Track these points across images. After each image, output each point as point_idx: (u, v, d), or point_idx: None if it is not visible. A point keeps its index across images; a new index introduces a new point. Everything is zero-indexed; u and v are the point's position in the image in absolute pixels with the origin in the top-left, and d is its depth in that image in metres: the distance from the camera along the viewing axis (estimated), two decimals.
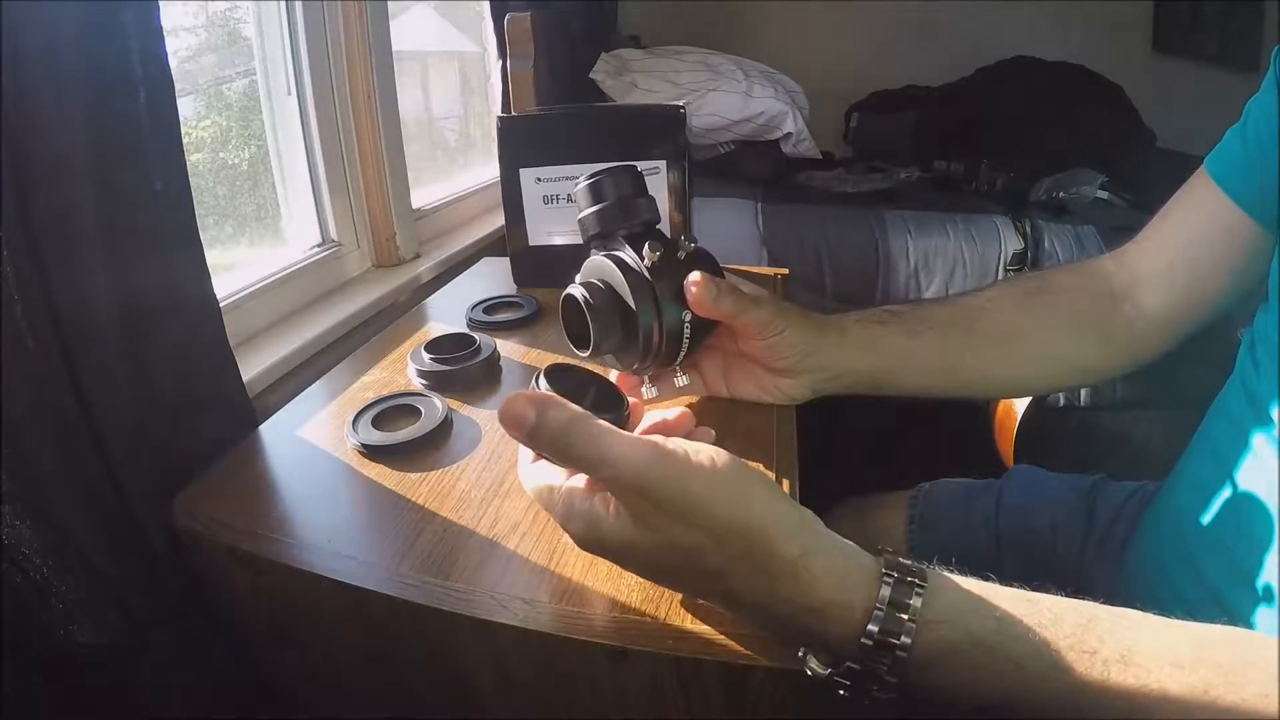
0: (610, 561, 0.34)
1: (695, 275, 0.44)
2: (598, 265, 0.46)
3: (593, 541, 0.32)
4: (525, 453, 0.37)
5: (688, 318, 0.45)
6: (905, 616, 0.29)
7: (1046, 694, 0.28)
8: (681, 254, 0.45)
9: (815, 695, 0.33)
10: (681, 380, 0.50)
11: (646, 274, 0.44)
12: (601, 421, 0.31)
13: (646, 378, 0.49)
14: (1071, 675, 0.28)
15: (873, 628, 0.29)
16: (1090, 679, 0.28)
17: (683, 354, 0.47)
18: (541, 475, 0.34)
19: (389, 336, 0.67)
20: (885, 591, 0.29)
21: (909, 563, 0.30)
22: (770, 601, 0.30)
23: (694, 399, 0.53)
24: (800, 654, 0.31)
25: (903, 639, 0.28)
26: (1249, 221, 0.48)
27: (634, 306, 0.44)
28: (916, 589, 0.29)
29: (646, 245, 0.44)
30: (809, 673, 0.31)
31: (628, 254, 0.45)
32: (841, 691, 0.30)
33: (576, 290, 0.45)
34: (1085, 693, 0.28)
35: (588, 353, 0.45)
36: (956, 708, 0.30)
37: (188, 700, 0.44)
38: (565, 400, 0.32)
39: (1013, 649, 0.29)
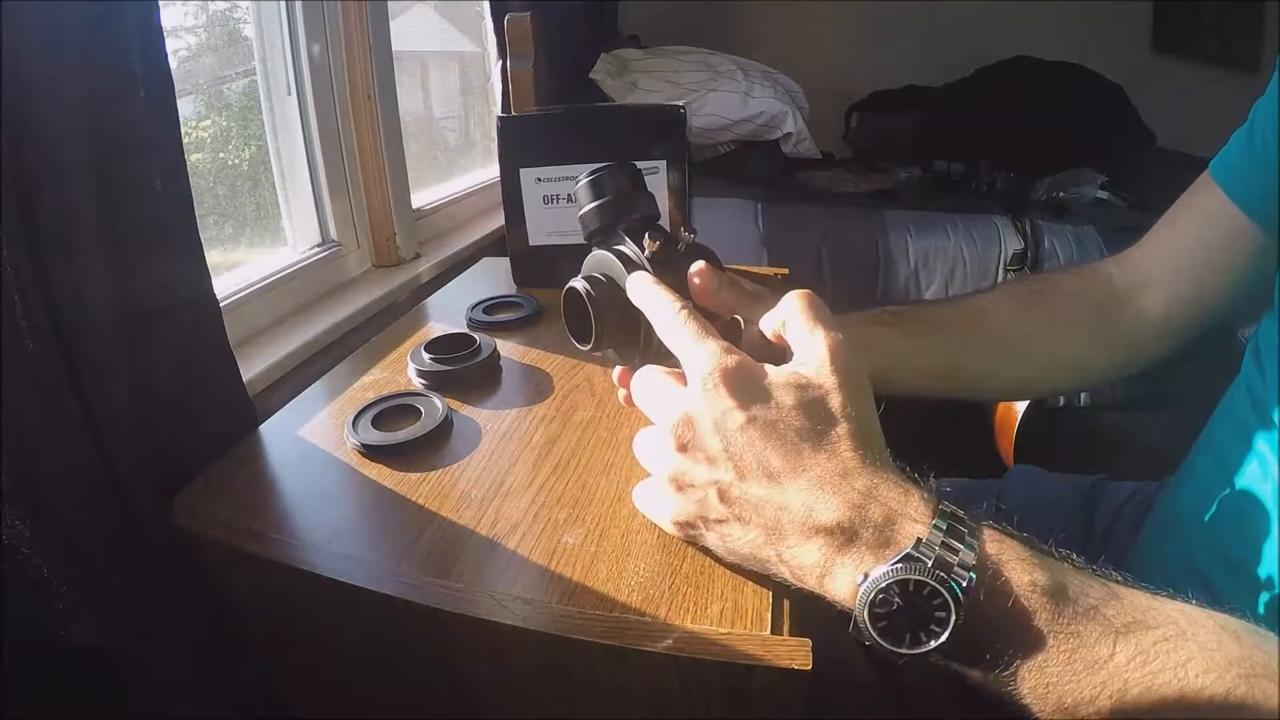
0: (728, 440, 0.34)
1: (698, 265, 0.44)
2: (599, 259, 0.46)
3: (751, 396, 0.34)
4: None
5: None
6: (965, 530, 0.31)
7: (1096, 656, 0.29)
8: (681, 246, 0.45)
9: (816, 695, 0.33)
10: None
11: (647, 266, 0.44)
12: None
13: None
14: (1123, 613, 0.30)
15: (940, 521, 0.31)
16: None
17: None
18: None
19: (389, 336, 0.67)
20: (944, 509, 0.31)
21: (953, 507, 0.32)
22: (849, 489, 0.32)
23: None
24: (861, 578, 0.31)
25: (968, 535, 0.30)
26: (1253, 226, 0.48)
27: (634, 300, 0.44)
28: (968, 523, 0.31)
29: (646, 236, 0.44)
30: (875, 592, 0.30)
31: (628, 247, 0.45)
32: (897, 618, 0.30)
33: (578, 283, 0.45)
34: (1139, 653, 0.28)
35: (589, 347, 0.45)
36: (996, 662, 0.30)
37: (188, 700, 0.44)
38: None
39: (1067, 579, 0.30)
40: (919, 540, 0.30)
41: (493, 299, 0.72)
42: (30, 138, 0.36)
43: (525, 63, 1.10)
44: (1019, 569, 0.30)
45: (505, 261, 0.81)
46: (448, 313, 0.72)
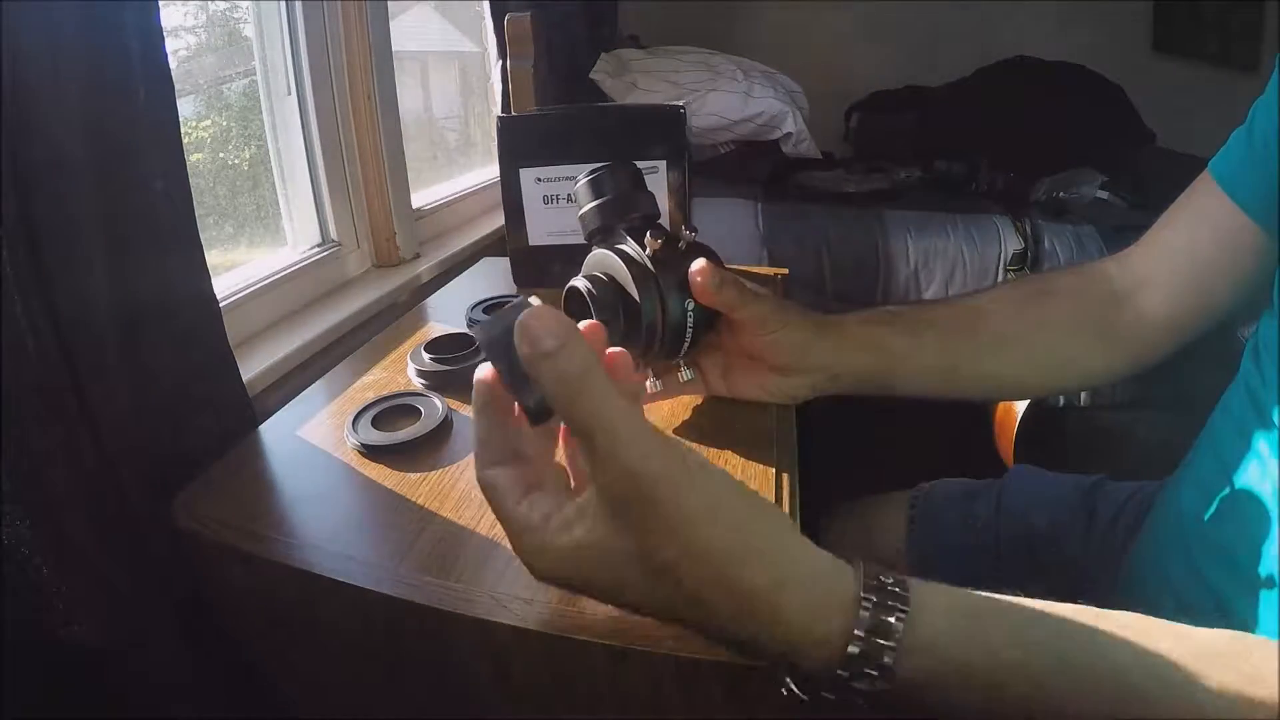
0: (561, 582, 0.30)
1: (699, 263, 0.44)
2: (600, 258, 0.46)
3: (555, 547, 0.28)
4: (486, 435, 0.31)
5: (691, 306, 0.45)
6: (886, 643, 0.27)
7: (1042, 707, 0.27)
8: (682, 244, 0.45)
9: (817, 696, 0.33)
10: (685, 375, 0.50)
11: (649, 264, 0.44)
12: (624, 385, 0.28)
13: (650, 372, 0.49)
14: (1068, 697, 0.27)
15: (852, 651, 0.27)
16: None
17: (686, 347, 0.47)
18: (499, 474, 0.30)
19: (389, 336, 0.67)
20: (864, 616, 0.27)
21: (890, 581, 0.28)
22: (740, 630, 0.28)
23: (698, 398, 0.53)
24: (778, 675, 0.30)
25: (882, 665, 0.27)
26: (1253, 226, 0.48)
27: (637, 297, 0.43)
28: (898, 611, 0.27)
29: (648, 234, 0.44)
30: (785, 694, 0.29)
31: (630, 245, 0.45)
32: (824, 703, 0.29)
33: (580, 282, 0.44)
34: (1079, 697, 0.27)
35: None
36: None
37: (188, 700, 0.44)
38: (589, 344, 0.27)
39: (1001, 676, 0.27)
40: (828, 662, 0.27)
41: (493, 299, 0.72)
42: (30, 138, 0.36)
43: (525, 63, 1.10)
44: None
45: (505, 261, 0.81)
46: (448, 313, 0.72)
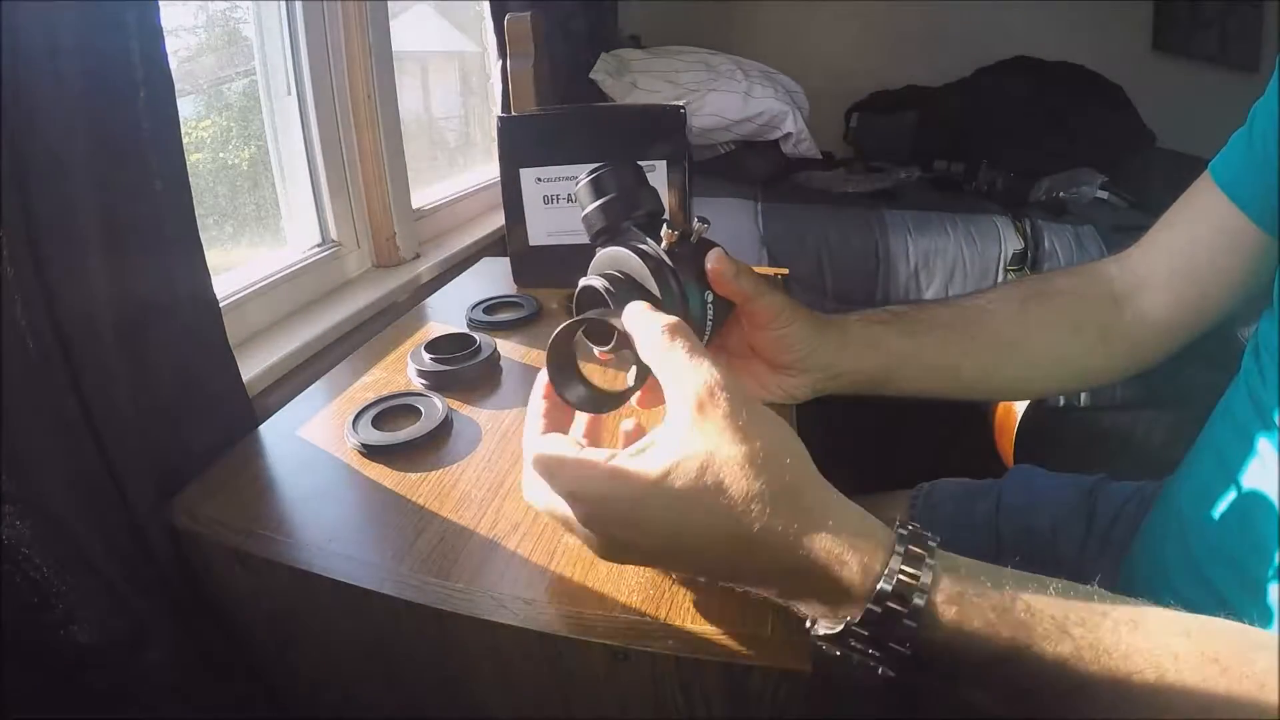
0: (615, 539, 0.32)
1: (716, 252, 0.44)
2: (612, 256, 0.45)
3: (611, 508, 0.31)
4: (534, 422, 0.37)
5: (710, 298, 0.45)
6: (917, 579, 0.29)
7: (1054, 655, 0.28)
8: (694, 238, 0.45)
9: (815, 696, 0.33)
10: None
11: (666, 259, 0.43)
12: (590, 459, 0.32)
13: None
14: (1083, 631, 0.28)
15: (885, 586, 0.29)
16: (1101, 638, 0.28)
17: (707, 340, 0.46)
18: (552, 445, 0.34)
19: (389, 336, 0.67)
20: (896, 562, 0.29)
21: (920, 529, 0.31)
22: (778, 565, 0.30)
23: None
24: (809, 623, 0.31)
25: (915, 598, 0.28)
26: (1253, 227, 0.48)
27: (657, 293, 0.42)
28: (926, 562, 0.29)
29: (664, 228, 0.43)
30: (819, 641, 0.30)
31: (642, 241, 0.44)
32: (854, 655, 0.30)
33: (596, 281, 0.43)
34: (1096, 650, 0.28)
35: (609, 347, 0.44)
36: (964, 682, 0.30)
37: (188, 700, 0.44)
38: (561, 436, 0.34)
39: (1023, 610, 0.29)
40: (849, 621, 0.29)
41: (493, 299, 0.72)
42: (30, 138, 0.36)
43: (525, 63, 1.10)
44: (976, 616, 0.29)
45: (505, 261, 0.81)
46: (448, 313, 0.72)
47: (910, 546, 0.30)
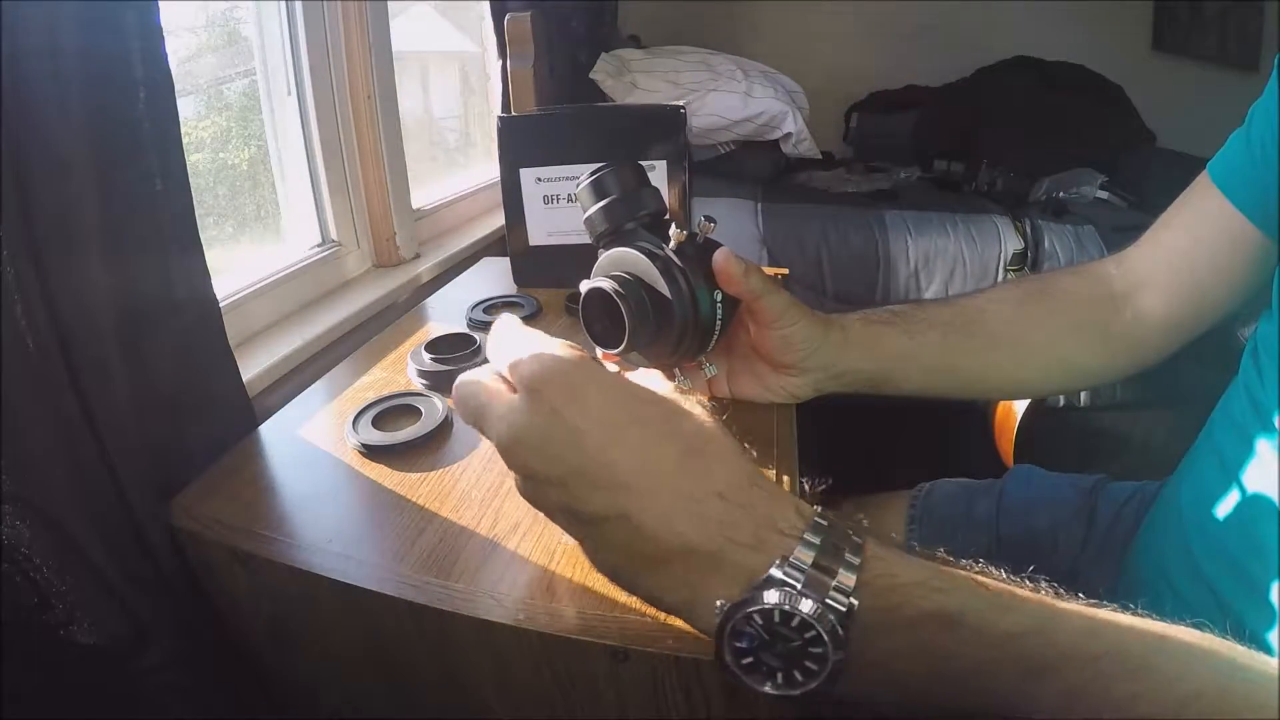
0: (549, 422, 0.29)
1: (724, 251, 0.44)
2: (618, 257, 0.44)
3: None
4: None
5: (719, 298, 0.45)
6: (843, 562, 0.26)
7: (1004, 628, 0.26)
8: (700, 237, 0.45)
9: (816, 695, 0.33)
10: (710, 370, 0.49)
11: (675, 258, 0.43)
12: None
13: (678, 370, 0.49)
14: (1036, 609, 0.27)
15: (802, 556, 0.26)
16: (1059, 620, 0.27)
17: (715, 339, 0.46)
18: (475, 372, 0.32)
19: (389, 336, 0.67)
20: (822, 520, 0.27)
21: (845, 526, 0.28)
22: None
23: (718, 395, 0.53)
24: (719, 605, 0.27)
25: (840, 577, 0.25)
26: (1251, 228, 0.48)
27: (667, 293, 0.42)
28: (851, 534, 0.27)
29: (672, 228, 0.43)
30: (719, 607, 0.26)
31: (649, 242, 0.43)
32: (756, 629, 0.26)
33: (604, 283, 0.42)
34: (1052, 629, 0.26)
35: (619, 349, 0.43)
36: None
37: (188, 700, 0.44)
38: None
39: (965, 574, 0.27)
40: (785, 559, 0.26)
41: (493, 299, 0.72)
42: (30, 138, 0.36)
43: (525, 63, 1.10)
44: (916, 594, 0.26)
45: (505, 261, 0.81)
46: (448, 313, 0.72)
47: (831, 520, 0.28)
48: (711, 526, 0.27)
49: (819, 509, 0.28)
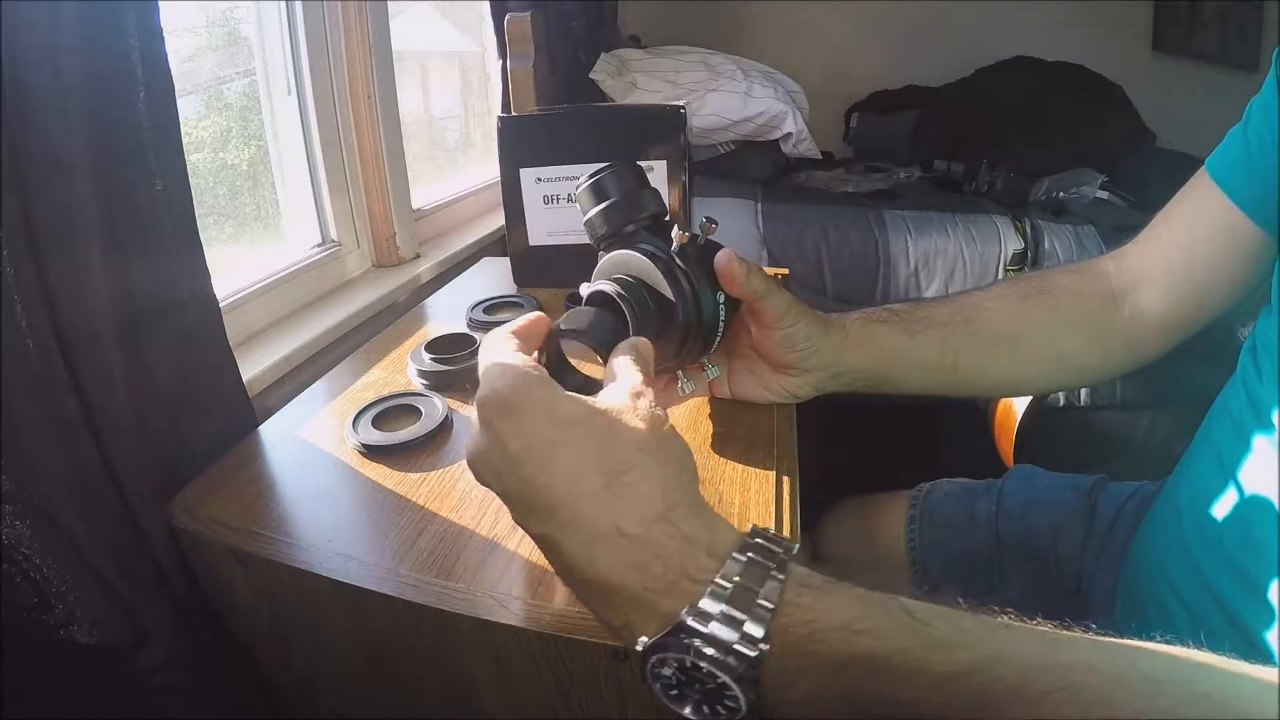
0: (496, 427, 0.30)
1: (726, 252, 0.44)
2: (621, 259, 0.44)
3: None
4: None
5: (721, 299, 0.44)
6: (759, 594, 0.26)
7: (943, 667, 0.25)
8: (701, 239, 0.44)
9: None
10: (712, 371, 0.49)
11: (678, 261, 0.42)
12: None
13: (681, 373, 0.48)
14: (979, 639, 0.26)
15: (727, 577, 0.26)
16: (1002, 649, 0.25)
17: (718, 341, 0.46)
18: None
19: (389, 336, 0.67)
20: (734, 566, 0.27)
21: (775, 543, 0.28)
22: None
23: (698, 400, 0.53)
24: (641, 640, 0.28)
25: (748, 624, 0.25)
26: (1250, 224, 0.48)
27: (670, 296, 0.42)
28: (773, 574, 0.26)
29: (674, 229, 0.43)
30: (640, 645, 0.27)
31: (651, 244, 0.43)
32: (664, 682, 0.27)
33: (606, 285, 0.42)
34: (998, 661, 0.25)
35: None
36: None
37: (188, 700, 0.44)
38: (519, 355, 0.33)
39: (899, 610, 0.26)
40: (693, 607, 0.26)
41: (493, 299, 0.72)
42: (30, 138, 0.36)
43: (525, 62, 1.10)
44: (835, 638, 0.26)
45: (505, 261, 0.81)
46: (448, 313, 0.72)
47: (761, 540, 0.28)
48: (624, 566, 0.27)
49: (749, 539, 0.28)
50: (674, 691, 0.27)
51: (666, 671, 0.27)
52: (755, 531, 0.29)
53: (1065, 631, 0.27)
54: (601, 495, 0.28)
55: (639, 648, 0.27)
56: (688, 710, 0.27)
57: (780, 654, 0.26)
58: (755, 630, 0.25)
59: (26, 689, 0.39)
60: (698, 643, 0.26)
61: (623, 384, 0.33)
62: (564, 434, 0.29)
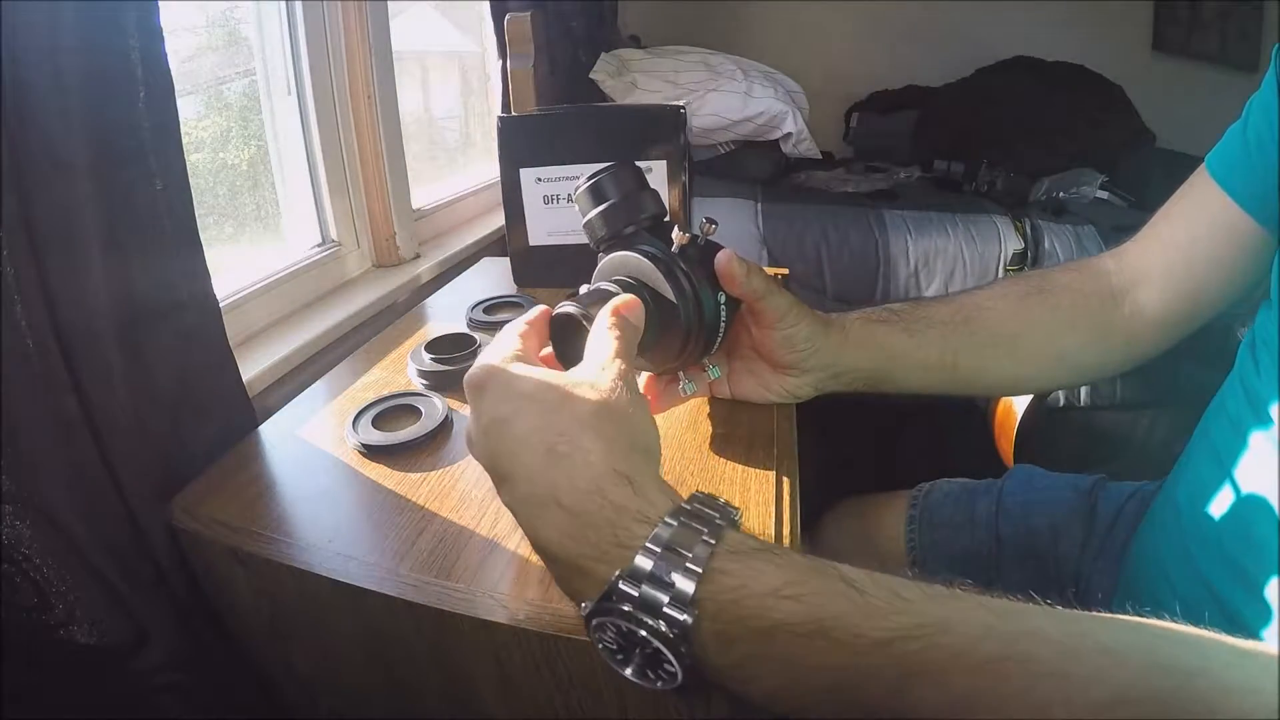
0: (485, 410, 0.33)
1: (726, 252, 0.44)
2: (621, 261, 0.43)
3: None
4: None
5: (723, 299, 0.44)
6: (687, 555, 0.26)
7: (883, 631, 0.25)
8: (701, 240, 0.44)
9: None
10: (713, 372, 0.49)
11: (679, 262, 0.42)
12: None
13: (682, 374, 0.48)
14: (921, 608, 0.25)
15: (657, 539, 0.27)
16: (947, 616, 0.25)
17: (720, 341, 0.46)
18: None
19: (389, 336, 0.67)
20: (664, 531, 0.27)
21: (714, 509, 0.29)
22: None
23: (698, 400, 0.53)
24: (581, 607, 0.29)
25: (675, 579, 0.26)
26: (1249, 221, 0.48)
27: (672, 297, 0.42)
28: (703, 539, 0.27)
29: (675, 230, 0.42)
30: (582, 610, 0.28)
31: (651, 246, 0.43)
32: (604, 646, 0.28)
33: (609, 286, 0.41)
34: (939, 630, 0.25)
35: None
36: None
37: (188, 700, 0.44)
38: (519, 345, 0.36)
39: (836, 577, 0.26)
40: (620, 575, 0.27)
41: (493, 299, 0.72)
42: (30, 138, 0.36)
43: (525, 62, 1.10)
44: (765, 604, 0.26)
45: (505, 261, 0.81)
46: (448, 313, 0.72)
47: (699, 506, 0.29)
48: (562, 535, 0.29)
49: (684, 505, 0.29)
50: (619, 656, 0.28)
51: (608, 636, 0.28)
52: (695, 497, 0.30)
53: (1021, 601, 0.26)
54: (540, 466, 0.30)
55: (581, 611, 0.28)
56: (629, 672, 0.28)
57: (711, 618, 0.26)
58: (684, 590, 0.26)
59: (26, 689, 0.39)
60: (627, 607, 0.26)
61: (593, 354, 0.34)
62: (515, 408, 0.31)
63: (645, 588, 0.26)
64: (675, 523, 0.28)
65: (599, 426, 0.30)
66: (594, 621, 0.28)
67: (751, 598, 0.26)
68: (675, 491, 0.31)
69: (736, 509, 0.29)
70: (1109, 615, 0.25)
